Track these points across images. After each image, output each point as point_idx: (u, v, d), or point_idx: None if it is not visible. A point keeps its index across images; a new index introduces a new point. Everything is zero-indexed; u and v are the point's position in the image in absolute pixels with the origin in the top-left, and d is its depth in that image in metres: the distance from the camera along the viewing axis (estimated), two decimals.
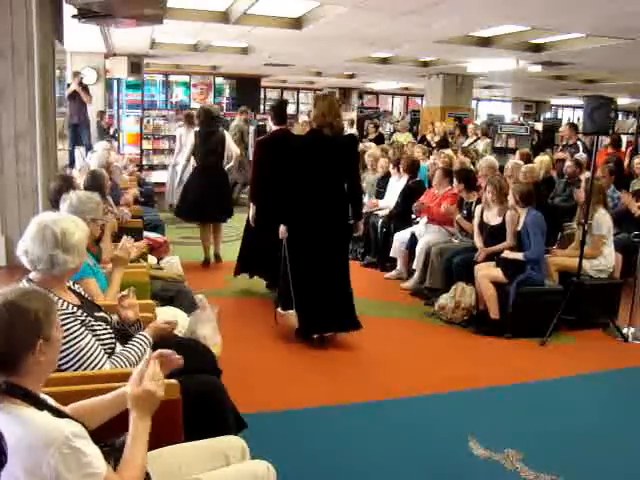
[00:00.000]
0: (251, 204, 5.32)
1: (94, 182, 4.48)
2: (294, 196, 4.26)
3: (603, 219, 5.03)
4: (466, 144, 9.83)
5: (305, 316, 4.31)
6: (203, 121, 6.47)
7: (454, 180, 5.95)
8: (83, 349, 2.17)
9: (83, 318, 2.23)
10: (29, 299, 1.58)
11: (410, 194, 6.50)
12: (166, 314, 3.05)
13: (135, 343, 2.40)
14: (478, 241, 5.19)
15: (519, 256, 4.78)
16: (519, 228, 4.89)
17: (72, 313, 2.19)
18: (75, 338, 2.15)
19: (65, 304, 2.19)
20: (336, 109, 4.26)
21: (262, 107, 17.27)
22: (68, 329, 2.12)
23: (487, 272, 4.86)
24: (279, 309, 4.44)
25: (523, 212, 4.90)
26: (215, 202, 6.36)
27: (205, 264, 6.47)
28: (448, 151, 7.75)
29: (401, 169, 6.89)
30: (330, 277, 4.33)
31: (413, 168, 6.80)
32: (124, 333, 2.49)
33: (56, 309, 1.67)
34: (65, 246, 2.20)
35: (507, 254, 4.90)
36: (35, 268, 2.20)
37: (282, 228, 4.31)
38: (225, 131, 7.00)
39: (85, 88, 9.35)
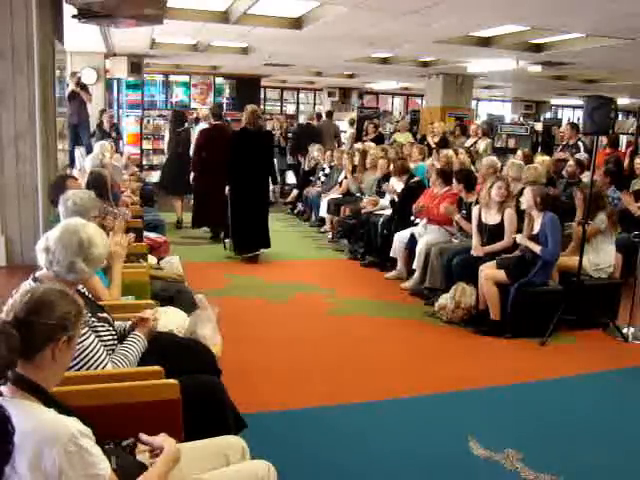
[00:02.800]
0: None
1: (95, 183, 4.47)
2: (233, 168, 6.46)
3: (605, 218, 5.02)
4: (467, 144, 9.82)
5: (237, 240, 6.75)
6: (173, 121, 8.61)
7: (453, 180, 5.94)
8: (87, 349, 2.18)
9: (87, 318, 2.23)
10: (63, 297, 1.64)
11: (410, 194, 6.50)
12: (166, 314, 3.06)
13: (131, 342, 2.42)
14: (477, 242, 5.18)
15: (536, 249, 4.68)
16: (535, 231, 4.76)
17: None
18: (79, 337, 2.15)
19: None
20: (256, 114, 6.54)
21: (262, 107, 17.26)
22: None
23: (491, 273, 4.82)
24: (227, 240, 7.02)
25: (539, 215, 4.76)
26: (181, 179, 8.05)
27: (178, 224, 8.38)
28: (448, 151, 7.74)
29: None
30: (254, 216, 6.64)
31: (405, 172, 6.81)
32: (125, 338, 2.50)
33: (84, 315, 1.72)
34: (87, 256, 2.23)
35: (524, 241, 4.78)
36: (50, 268, 2.21)
37: (227, 188, 6.60)
38: (191, 128, 8.75)
39: (85, 87, 9.35)
